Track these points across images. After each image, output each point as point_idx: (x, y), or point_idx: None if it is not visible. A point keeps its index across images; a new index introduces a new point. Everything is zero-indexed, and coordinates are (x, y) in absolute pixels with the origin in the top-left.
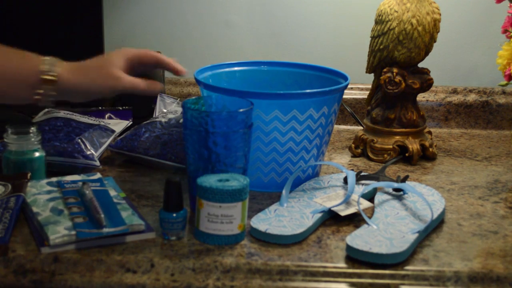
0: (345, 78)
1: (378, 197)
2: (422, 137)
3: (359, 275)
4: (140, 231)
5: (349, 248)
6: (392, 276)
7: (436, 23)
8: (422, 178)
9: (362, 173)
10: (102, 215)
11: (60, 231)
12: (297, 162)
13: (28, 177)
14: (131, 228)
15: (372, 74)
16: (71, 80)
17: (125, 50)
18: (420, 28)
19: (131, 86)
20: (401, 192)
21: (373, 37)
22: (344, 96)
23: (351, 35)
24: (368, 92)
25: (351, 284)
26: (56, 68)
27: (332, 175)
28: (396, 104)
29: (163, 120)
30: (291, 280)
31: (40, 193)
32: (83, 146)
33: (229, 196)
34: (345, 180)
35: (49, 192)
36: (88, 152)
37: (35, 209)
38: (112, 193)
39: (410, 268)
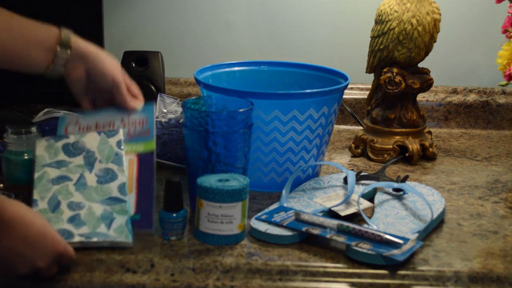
0: (345, 78)
1: (378, 197)
2: (422, 137)
3: (359, 275)
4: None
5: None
6: (392, 276)
7: (436, 23)
8: (422, 178)
9: (362, 173)
10: None
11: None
12: (297, 162)
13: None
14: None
15: (372, 74)
16: (83, 47)
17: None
18: (420, 28)
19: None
20: (401, 192)
21: (373, 37)
22: (344, 96)
23: (351, 35)
24: (368, 92)
25: (351, 284)
26: (72, 35)
27: (332, 175)
28: (396, 104)
29: (163, 120)
30: (291, 280)
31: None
32: None
33: (229, 196)
34: (345, 180)
35: None
36: None
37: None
38: None
39: (410, 268)
